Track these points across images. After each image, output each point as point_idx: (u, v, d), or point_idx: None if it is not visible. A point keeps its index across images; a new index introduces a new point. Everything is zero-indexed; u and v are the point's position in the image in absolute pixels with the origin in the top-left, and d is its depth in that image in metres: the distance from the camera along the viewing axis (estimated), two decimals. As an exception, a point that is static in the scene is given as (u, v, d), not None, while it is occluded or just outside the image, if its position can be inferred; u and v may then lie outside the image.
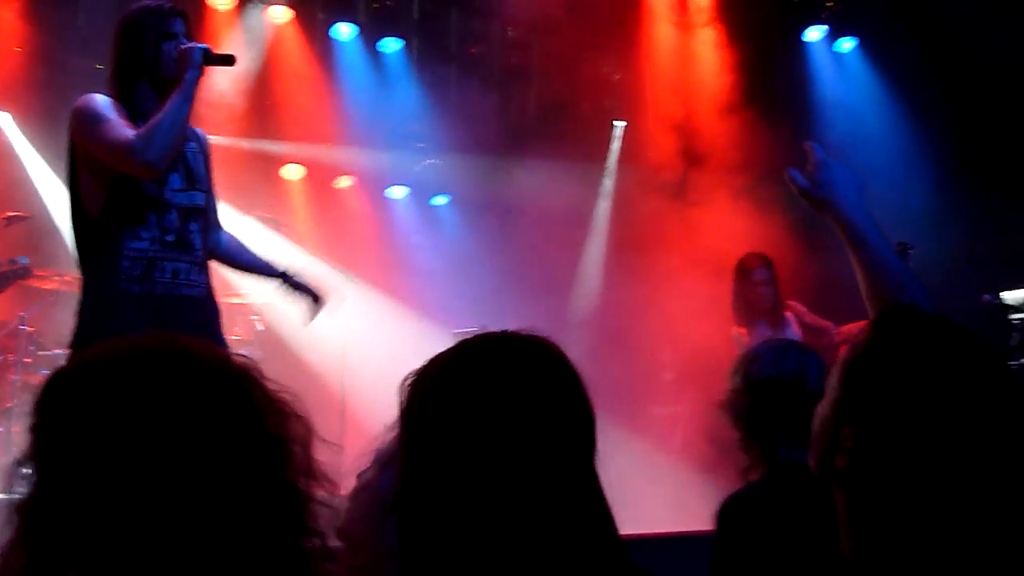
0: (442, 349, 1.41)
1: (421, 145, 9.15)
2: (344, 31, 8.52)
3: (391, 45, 8.70)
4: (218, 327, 3.72)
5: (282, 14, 8.27)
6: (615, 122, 8.84)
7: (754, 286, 6.08)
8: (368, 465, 1.82)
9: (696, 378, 7.42)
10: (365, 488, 1.79)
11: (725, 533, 2.47)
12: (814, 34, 8.58)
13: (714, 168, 7.91)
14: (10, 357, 6.49)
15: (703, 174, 7.94)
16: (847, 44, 8.57)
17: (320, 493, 1.20)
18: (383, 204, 9.45)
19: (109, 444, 1.06)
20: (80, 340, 3.50)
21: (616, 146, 8.84)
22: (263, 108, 8.27)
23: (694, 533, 3.13)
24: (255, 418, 1.14)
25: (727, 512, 2.50)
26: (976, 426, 1.35)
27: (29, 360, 6.51)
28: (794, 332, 6.11)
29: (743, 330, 6.07)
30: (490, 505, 1.27)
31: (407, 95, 8.78)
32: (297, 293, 3.88)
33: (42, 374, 6.52)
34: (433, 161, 9.25)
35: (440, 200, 9.55)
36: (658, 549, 2.75)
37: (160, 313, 3.49)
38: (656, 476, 7.32)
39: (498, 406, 1.31)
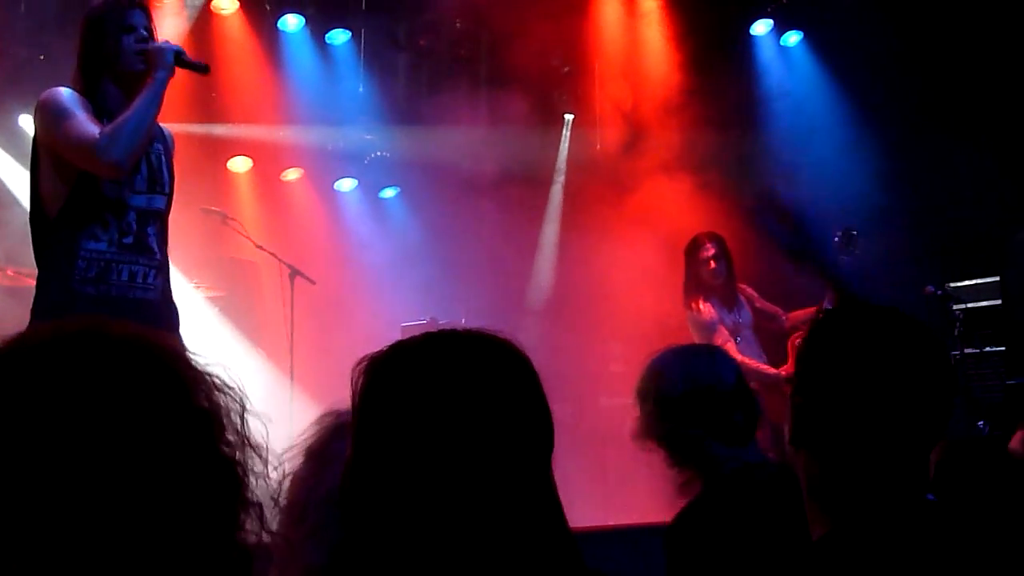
0: (399, 340, 1.41)
1: (369, 137, 9.10)
2: (291, 22, 8.43)
3: (339, 37, 8.63)
4: (174, 330, 3.69)
5: (228, 5, 8.17)
6: (565, 115, 8.85)
7: (705, 262, 6.09)
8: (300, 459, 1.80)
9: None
10: (297, 483, 1.77)
11: (682, 554, 2.34)
12: (760, 28, 8.66)
13: (661, 157, 7.95)
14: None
15: (651, 163, 7.98)
16: (793, 38, 8.66)
17: (258, 465, 1.18)
18: (331, 197, 9.38)
19: (28, 427, 1.04)
20: None
21: (566, 136, 8.86)
22: (209, 100, 8.16)
23: (642, 525, 3.14)
24: (182, 392, 1.12)
25: (680, 532, 2.37)
26: (895, 393, 1.53)
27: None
28: (747, 313, 6.17)
29: (698, 306, 6.06)
30: (438, 502, 1.27)
31: (355, 87, 8.72)
32: None
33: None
34: (381, 154, 9.19)
35: (388, 193, 9.49)
36: (609, 542, 2.76)
37: (113, 315, 3.41)
38: (606, 469, 7.38)
39: (451, 401, 1.30)
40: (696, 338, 5.96)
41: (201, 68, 3.70)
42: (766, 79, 8.74)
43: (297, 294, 6.90)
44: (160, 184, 3.67)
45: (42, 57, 7.16)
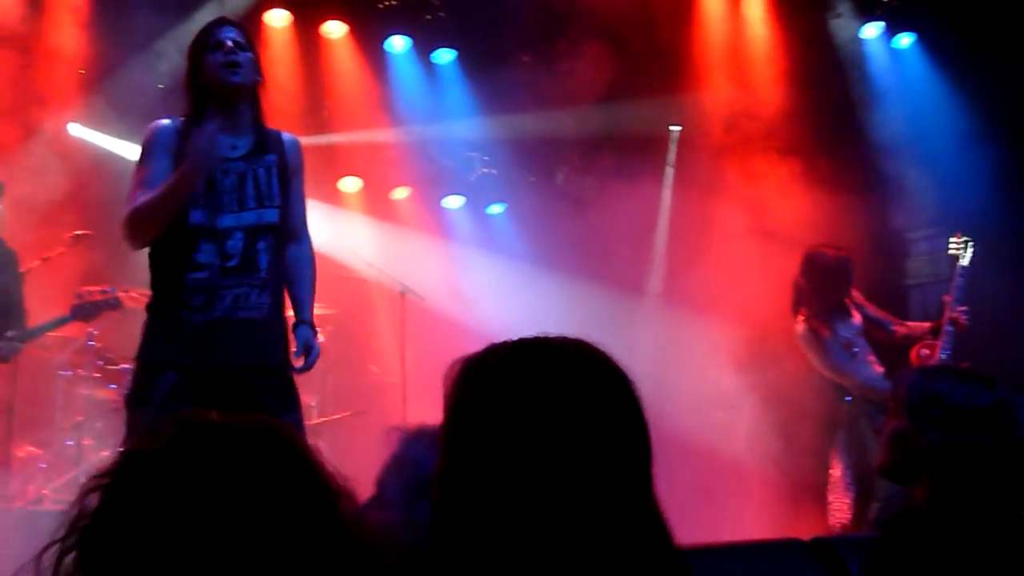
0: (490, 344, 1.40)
1: (475, 154, 9.19)
2: (398, 44, 8.58)
3: (444, 56, 8.75)
4: (276, 346, 3.70)
5: (336, 29, 8.37)
6: (671, 127, 8.79)
7: (850, 277, 5.76)
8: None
9: (757, 379, 7.38)
10: (399, 466, 1.81)
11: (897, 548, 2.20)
12: (871, 31, 8.47)
13: (771, 164, 7.83)
14: (79, 372, 6.63)
15: (761, 169, 7.86)
16: (905, 40, 8.45)
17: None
18: (440, 214, 9.49)
19: (175, 523, 1.09)
20: (143, 357, 3.59)
21: (673, 150, 8.79)
22: (319, 121, 8.36)
23: (754, 542, 3.10)
24: (310, 474, 1.17)
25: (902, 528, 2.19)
26: None
27: (98, 375, 6.65)
28: (857, 321, 5.86)
29: (815, 321, 5.72)
30: (529, 513, 1.25)
31: (461, 105, 8.82)
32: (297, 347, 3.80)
33: (111, 389, 6.66)
34: (488, 170, 9.27)
35: (496, 209, 9.57)
36: (719, 559, 2.73)
37: (216, 339, 3.51)
38: (719, 483, 7.27)
39: (540, 407, 1.29)
40: (811, 357, 5.76)
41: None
42: (877, 82, 8.54)
43: (408, 310, 7.00)
44: (271, 197, 3.67)
45: (160, 86, 7.46)
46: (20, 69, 7.24)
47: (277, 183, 3.72)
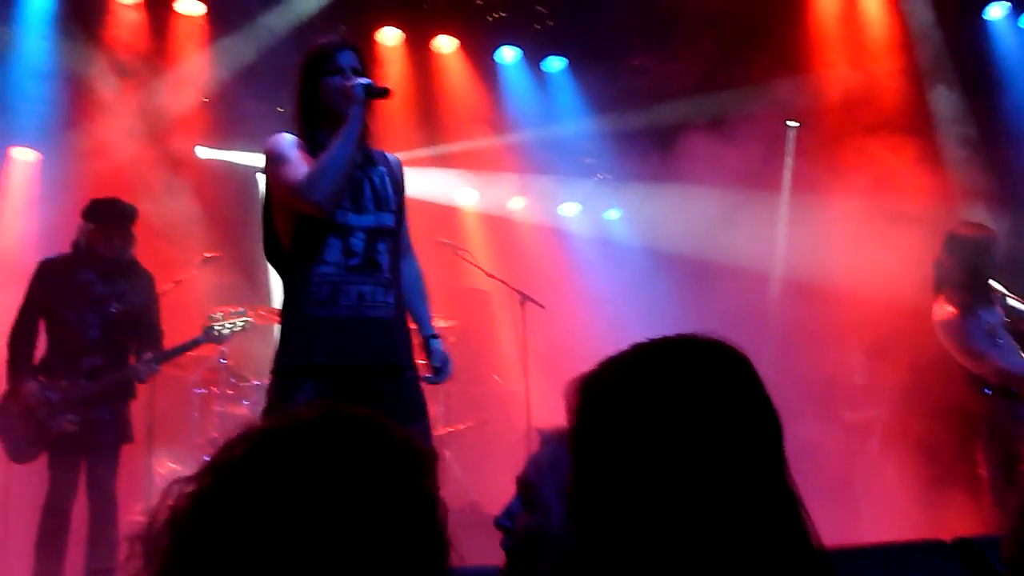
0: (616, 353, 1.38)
1: (590, 161, 9.17)
2: (508, 55, 8.63)
3: (555, 64, 8.77)
4: (406, 348, 3.73)
5: (447, 44, 8.47)
6: (788, 123, 8.61)
7: (994, 257, 5.45)
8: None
9: (892, 379, 7.16)
10: (549, 462, 1.79)
11: None
12: (996, 11, 8.16)
13: (895, 148, 7.60)
14: (213, 390, 6.85)
15: (884, 154, 7.64)
16: (1033, 19, 8.12)
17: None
18: (556, 221, 9.51)
19: (285, 508, 1.10)
20: (277, 365, 3.63)
21: (791, 145, 8.61)
22: (434, 135, 8.48)
23: (895, 544, 3.00)
24: (415, 474, 1.17)
25: None
26: None
27: (231, 392, 6.85)
28: (1000, 314, 5.51)
29: (959, 305, 5.39)
30: (667, 518, 1.23)
31: (574, 112, 8.82)
32: (428, 358, 3.85)
33: (243, 405, 6.85)
34: (603, 176, 9.25)
35: (613, 214, 9.53)
36: (858, 561, 2.64)
37: (344, 335, 3.55)
38: (855, 485, 7.09)
39: (673, 412, 1.26)
40: (951, 343, 5.42)
41: (383, 93, 3.72)
42: (1004, 64, 8.21)
43: (528, 319, 7.02)
44: (386, 202, 3.74)
45: (280, 110, 7.67)
46: (148, 97, 7.55)
47: (392, 190, 3.80)
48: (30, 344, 5.32)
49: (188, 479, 1.18)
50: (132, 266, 5.48)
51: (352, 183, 3.66)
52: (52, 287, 5.32)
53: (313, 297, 3.55)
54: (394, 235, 3.75)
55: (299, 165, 3.57)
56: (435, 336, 3.88)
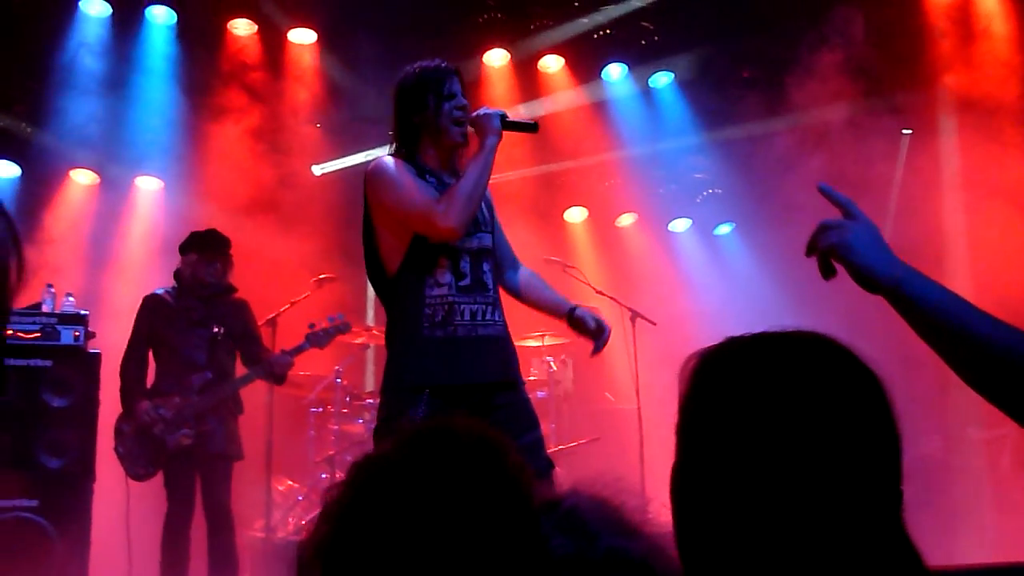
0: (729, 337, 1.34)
1: (700, 176, 9.09)
2: (615, 71, 8.62)
3: (661, 79, 8.72)
4: (515, 363, 3.79)
5: (553, 64, 8.50)
6: (903, 131, 8.39)
7: None
8: None
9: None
10: None
11: None
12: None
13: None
14: (329, 408, 6.99)
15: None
16: None
17: None
18: (666, 238, 9.44)
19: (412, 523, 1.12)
20: (389, 387, 3.68)
21: (903, 152, 8.38)
22: (543, 155, 8.51)
23: (1016, 564, 2.87)
24: (523, 494, 1.17)
25: None
26: None
27: (346, 410, 6.98)
28: None
29: None
30: (771, 524, 1.19)
31: (682, 127, 8.75)
32: (581, 329, 3.87)
33: (358, 423, 6.96)
34: (713, 191, 9.15)
35: (724, 229, 9.42)
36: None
37: (461, 355, 3.61)
38: (983, 504, 6.84)
39: (778, 403, 1.21)
40: None
41: (530, 127, 3.81)
42: None
43: (639, 336, 6.97)
44: (485, 223, 3.80)
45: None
46: (266, 122, 7.78)
47: (487, 211, 3.86)
48: (141, 371, 5.65)
49: (309, 525, 1.21)
50: (230, 291, 5.80)
51: None
52: (157, 317, 5.66)
53: (428, 319, 3.61)
54: (493, 255, 3.82)
55: (423, 190, 3.63)
56: (576, 306, 3.92)
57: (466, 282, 3.68)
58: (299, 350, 5.72)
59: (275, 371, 5.64)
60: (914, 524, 1.26)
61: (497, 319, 3.74)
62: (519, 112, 3.82)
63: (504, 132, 3.70)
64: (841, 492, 1.19)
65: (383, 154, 3.78)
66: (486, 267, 3.75)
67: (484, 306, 3.70)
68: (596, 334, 3.83)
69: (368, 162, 3.83)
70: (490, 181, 3.72)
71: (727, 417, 1.24)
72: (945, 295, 1.51)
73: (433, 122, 3.73)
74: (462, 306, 3.65)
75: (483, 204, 3.81)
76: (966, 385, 1.50)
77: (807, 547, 1.18)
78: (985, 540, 6.48)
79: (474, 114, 3.71)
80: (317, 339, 5.79)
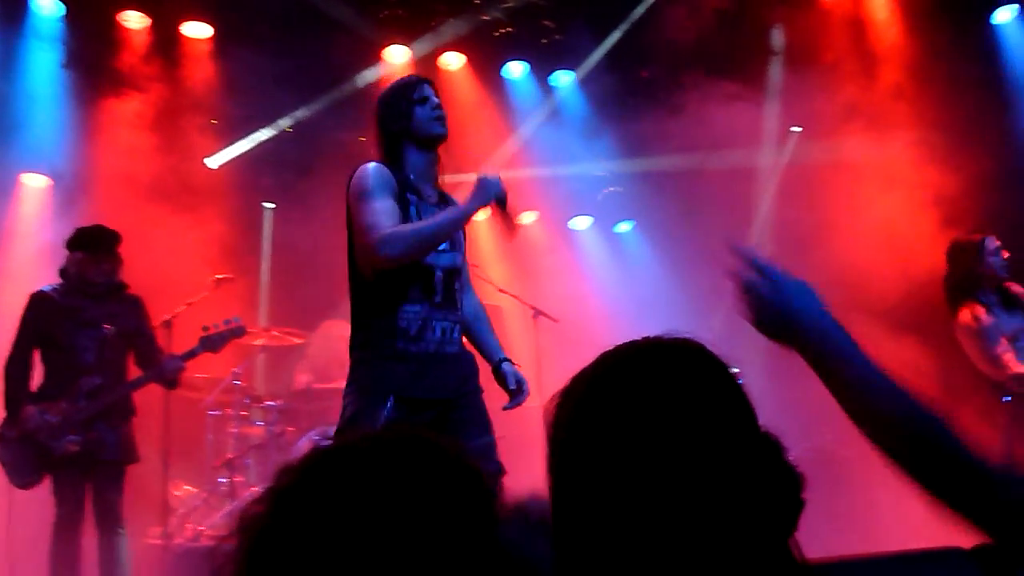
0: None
1: (601, 174, 9.17)
2: (515, 70, 8.64)
3: (562, 78, 8.77)
4: (475, 376, 3.95)
5: (454, 61, 8.48)
6: (792, 128, 8.60)
7: (996, 253, 5.47)
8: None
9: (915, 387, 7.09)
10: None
11: None
12: (1004, 15, 8.12)
13: (902, 150, 7.58)
14: (227, 411, 6.86)
15: (893, 156, 7.61)
16: (1042, 21, 8.07)
17: None
18: (567, 235, 9.50)
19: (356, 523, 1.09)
20: (357, 388, 3.76)
21: (791, 148, 8.62)
22: (444, 153, 8.47)
23: (913, 552, 2.96)
24: (486, 505, 1.17)
25: None
26: None
27: (245, 413, 6.86)
28: (1022, 317, 5.48)
29: (974, 310, 5.39)
30: (650, 529, 1.20)
31: (582, 126, 8.82)
32: (502, 383, 4.02)
33: (257, 425, 6.85)
34: (614, 189, 9.24)
35: (624, 227, 9.53)
36: (877, 570, 2.62)
37: (429, 371, 3.76)
38: (875, 493, 7.03)
39: (646, 417, 1.23)
40: (970, 348, 5.42)
41: (511, 225, 3.96)
42: (1013, 68, 8.16)
43: (541, 333, 7.00)
44: (459, 244, 3.96)
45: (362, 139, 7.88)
46: (159, 118, 7.60)
47: (461, 232, 4.00)
48: (26, 373, 5.40)
49: (251, 506, 1.17)
50: (120, 288, 5.56)
51: None
52: (43, 316, 5.41)
53: (402, 333, 3.73)
54: (462, 274, 4.00)
55: (384, 212, 3.70)
56: (506, 359, 4.07)
57: (438, 299, 3.81)
58: (192, 354, 5.58)
59: (166, 376, 5.48)
60: (808, 515, 1.28)
61: (459, 338, 3.91)
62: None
63: (490, 204, 3.84)
64: (711, 504, 1.21)
65: (368, 163, 3.85)
66: (456, 286, 3.91)
67: (453, 324, 3.86)
68: (514, 393, 4.00)
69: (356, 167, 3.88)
70: None
71: (589, 448, 1.26)
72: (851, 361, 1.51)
73: (412, 125, 3.89)
74: (434, 322, 3.79)
75: None
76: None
77: (683, 554, 1.20)
78: (879, 529, 6.67)
79: (482, 175, 3.84)
80: (211, 343, 5.67)
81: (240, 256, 7.81)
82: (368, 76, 8.12)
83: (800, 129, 8.54)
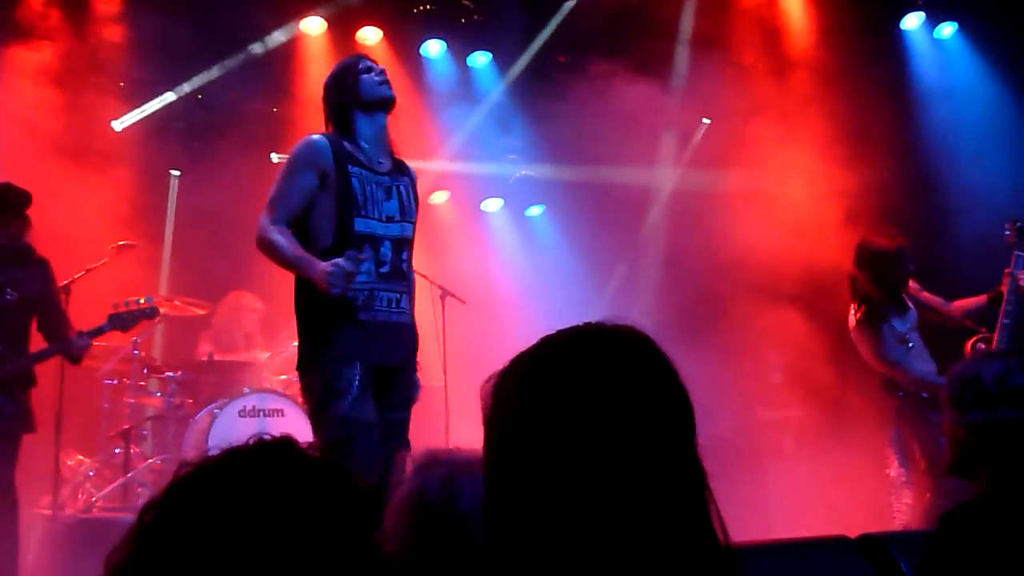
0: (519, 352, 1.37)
1: (513, 157, 9.19)
2: (433, 48, 8.60)
3: (479, 59, 8.76)
4: (416, 349, 4.14)
5: (372, 36, 8.39)
6: (703, 120, 8.75)
7: (906, 265, 5.55)
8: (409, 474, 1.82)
9: (807, 379, 7.30)
10: (405, 497, 1.77)
11: (952, 543, 2.04)
12: (912, 21, 8.36)
13: (812, 152, 7.75)
14: (125, 381, 6.71)
15: (800, 158, 7.78)
16: (947, 29, 8.31)
17: None
18: (478, 217, 9.50)
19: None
20: (308, 364, 3.90)
21: (698, 138, 8.77)
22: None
23: (801, 540, 3.05)
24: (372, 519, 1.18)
25: (956, 522, 2.08)
26: None
27: (143, 383, 6.72)
28: (914, 312, 5.63)
29: (877, 317, 5.51)
30: (584, 508, 1.22)
31: (497, 108, 8.82)
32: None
33: (155, 396, 6.72)
34: (526, 172, 9.27)
35: (535, 211, 9.57)
36: (765, 556, 2.69)
37: (380, 338, 3.91)
38: (766, 483, 7.21)
39: (588, 400, 1.25)
40: (866, 352, 5.56)
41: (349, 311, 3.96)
42: (920, 74, 8.42)
43: (448, 313, 7.00)
44: (409, 213, 4.10)
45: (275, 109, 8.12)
46: (64, 76, 7.37)
47: (414, 201, 4.16)
48: None
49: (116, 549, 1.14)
50: (27, 252, 5.34)
51: (384, 193, 4.04)
52: None
53: (350, 301, 3.85)
54: (411, 245, 4.13)
55: (284, 200, 3.95)
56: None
57: (385, 269, 3.96)
58: (99, 331, 5.45)
59: (71, 352, 5.32)
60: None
61: (408, 308, 4.07)
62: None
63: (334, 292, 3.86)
64: (641, 476, 1.24)
65: (312, 135, 4.06)
66: (404, 255, 4.05)
67: (399, 295, 4.01)
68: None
69: None
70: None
71: (529, 429, 1.28)
72: None
73: (360, 92, 4.09)
74: (380, 292, 3.93)
75: (410, 194, 4.14)
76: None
77: (616, 530, 1.22)
78: (768, 516, 6.85)
79: (349, 263, 3.80)
80: (121, 322, 5.54)
81: (143, 223, 7.63)
82: (279, 38, 7.99)
83: (709, 122, 8.68)
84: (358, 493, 1.17)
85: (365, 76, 4.12)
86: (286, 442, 1.18)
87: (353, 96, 4.09)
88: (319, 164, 3.94)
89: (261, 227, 3.90)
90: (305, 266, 3.85)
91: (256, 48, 7.93)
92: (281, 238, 3.90)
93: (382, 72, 4.17)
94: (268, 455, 1.16)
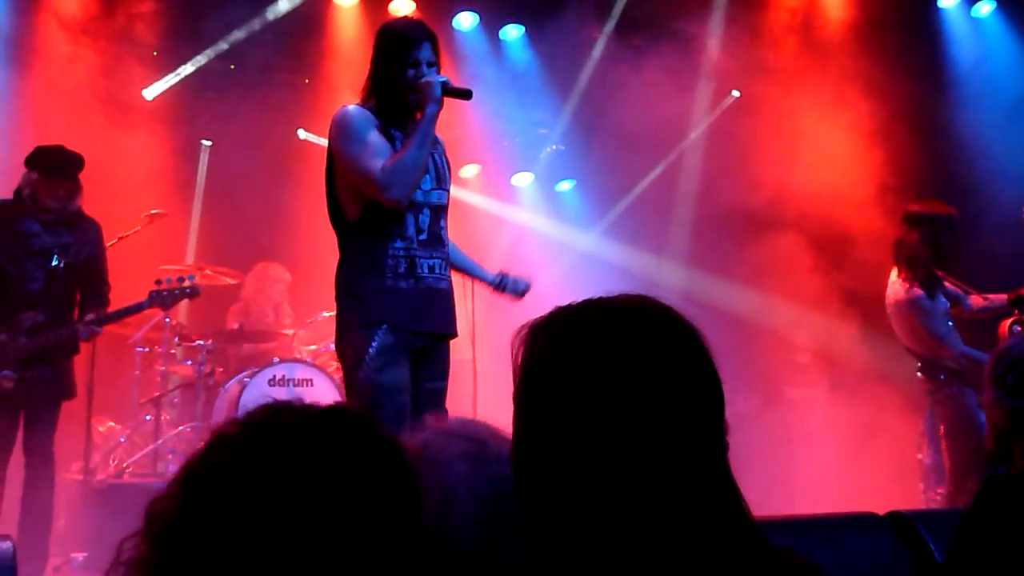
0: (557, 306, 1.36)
1: (544, 131, 9.15)
2: (466, 20, 8.56)
3: (512, 32, 8.71)
4: (455, 324, 4.04)
5: (404, 7, 8.36)
6: (732, 92, 8.67)
7: (955, 233, 5.31)
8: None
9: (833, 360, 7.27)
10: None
11: (987, 518, 2.05)
12: (949, 0, 8.24)
13: (846, 133, 7.68)
14: (156, 349, 6.77)
15: (836, 140, 7.72)
16: (985, 8, 8.20)
17: None
18: (508, 192, 9.48)
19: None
20: (356, 327, 3.79)
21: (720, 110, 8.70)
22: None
23: (828, 516, 3.04)
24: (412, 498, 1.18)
25: (992, 498, 2.08)
26: None
27: (174, 351, 6.78)
28: (944, 300, 5.42)
29: (920, 291, 5.26)
30: (609, 477, 1.22)
31: (530, 82, 8.78)
32: (510, 290, 4.40)
33: (187, 364, 6.77)
34: (557, 147, 9.24)
35: (565, 186, 9.53)
36: (792, 532, 2.68)
37: (424, 304, 3.83)
38: (792, 461, 7.20)
39: (620, 371, 1.25)
40: (914, 324, 5.31)
41: (465, 94, 3.90)
42: (957, 53, 8.31)
43: (478, 289, 6.99)
44: (444, 180, 3.99)
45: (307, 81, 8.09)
46: (98, 48, 7.41)
47: (446, 169, 4.04)
48: None
49: (164, 494, 1.14)
50: (78, 217, 5.27)
51: None
52: None
53: (391, 269, 3.79)
54: (447, 212, 4.02)
55: (377, 152, 3.74)
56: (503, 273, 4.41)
57: (424, 236, 3.85)
58: (139, 308, 5.45)
59: (80, 338, 5.22)
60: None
61: (447, 275, 3.98)
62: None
63: (444, 99, 3.80)
64: (674, 448, 1.24)
65: (349, 104, 3.87)
66: (443, 223, 3.96)
67: (440, 260, 3.91)
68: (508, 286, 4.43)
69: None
70: None
71: (568, 381, 1.27)
72: None
73: (396, 87, 3.83)
74: (421, 259, 3.83)
75: (443, 161, 4.02)
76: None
77: (643, 500, 1.22)
78: (793, 493, 6.84)
79: (419, 82, 3.78)
80: (161, 300, 5.53)
81: (174, 191, 7.68)
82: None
83: (738, 94, 8.60)
84: (402, 465, 1.18)
85: (411, 74, 3.82)
86: (339, 407, 1.19)
87: (392, 90, 3.85)
88: (375, 123, 3.80)
89: (378, 174, 3.67)
90: (420, 125, 3.75)
91: (283, 5, 7.86)
92: (392, 157, 3.73)
93: (427, 72, 3.85)
94: (312, 417, 1.16)
